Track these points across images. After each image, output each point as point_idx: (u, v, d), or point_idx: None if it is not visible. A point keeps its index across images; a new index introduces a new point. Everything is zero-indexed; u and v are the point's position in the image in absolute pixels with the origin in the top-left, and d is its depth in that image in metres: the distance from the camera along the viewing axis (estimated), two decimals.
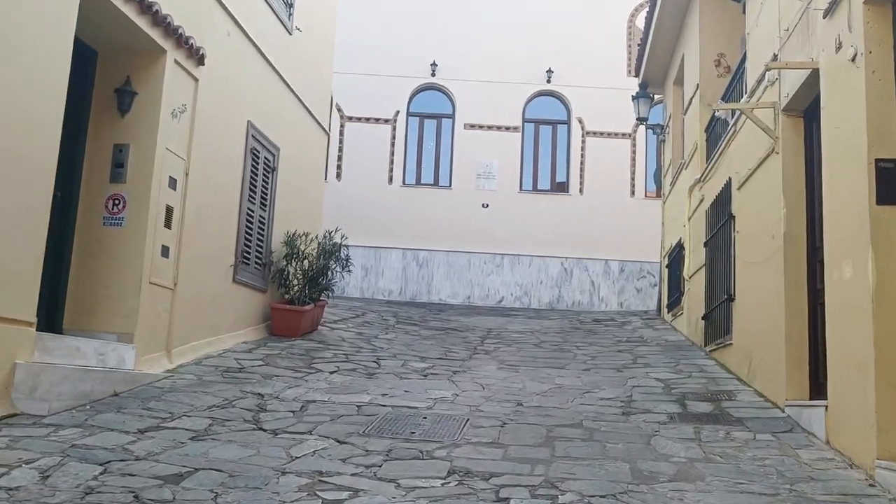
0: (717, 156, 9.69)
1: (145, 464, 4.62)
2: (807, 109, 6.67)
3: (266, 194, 9.96)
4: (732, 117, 8.85)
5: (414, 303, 17.25)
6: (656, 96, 15.84)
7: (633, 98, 15.36)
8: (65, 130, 6.83)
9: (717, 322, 9.35)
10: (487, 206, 18.76)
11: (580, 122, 19.16)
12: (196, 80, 7.91)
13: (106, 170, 7.20)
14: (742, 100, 8.20)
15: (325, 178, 19.03)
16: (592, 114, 19.06)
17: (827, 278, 5.69)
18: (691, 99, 11.92)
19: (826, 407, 5.53)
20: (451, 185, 18.98)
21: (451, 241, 18.51)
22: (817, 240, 6.45)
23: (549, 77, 19.27)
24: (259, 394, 6.67)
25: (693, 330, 10.96)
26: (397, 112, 19.18)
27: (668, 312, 13.57)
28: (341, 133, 19.29)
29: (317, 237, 10.77)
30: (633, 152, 19.15)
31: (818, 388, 6.27)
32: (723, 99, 9.52)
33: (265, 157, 9.86)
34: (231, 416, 5.88)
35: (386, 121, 19.19)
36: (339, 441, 5.34)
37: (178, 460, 4.73)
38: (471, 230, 18.49)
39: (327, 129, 12.42)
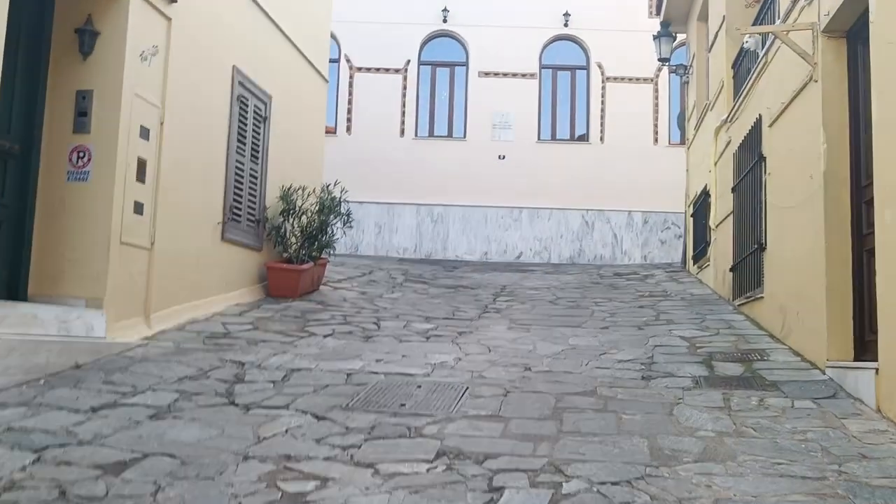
0: (745, 92, 8.86)
1: (88, 449, 4.01)
2: (851, 29, 5.83)
3: (257, 146, 9.26)
4: (763, 47, 8.00)
5: (428, 260, 16.63)
6: (679, 36, 14.90)
7: (655, 37, 14.44)
8: (21, 76, 6.24)
9: (747, 274, 8.60)
10: (504, 157, 18.06)
11: (600, 67, 18.32)
12: (168, 19, 7.16)
13: (69, 119, 6.50)
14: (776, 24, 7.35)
15: (335, 132, 18.53)
16: (613, 58, 18.22)
17: (878, 221, 4.93)
18: (717, 33, 11.02)
19: (877, 370, 4.81)
20: (465, 136, 18.30)
21: (467, 196, 17.86)
22: (863, 178, 5.67)
23: (567, 20, 18.46)
24: (240, 362, 6.05)
25: (720, 283, 10.21)
26: (408, 61, 18.46)
27: (694, 265, 12.80)
28: (350, 84, 18.68)
29: (315, 191, 10.07)
30: (656, 98, 18.33)
31: (864, 346, 5.55)
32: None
33: (255, 106, 9.14)
34: (202, 389, 5.26)
35: (396, 70, 18.48)
36: (317, 417, 4.70)
37: (128, 444, 4.11)
38: (487, 183, 17.80)
39: (326, 77, 11.63)
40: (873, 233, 5.46)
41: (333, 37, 18.77)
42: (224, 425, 4.50)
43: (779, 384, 5.53)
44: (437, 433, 4.39)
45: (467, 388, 5.41)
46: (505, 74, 18.38)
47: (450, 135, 18.52)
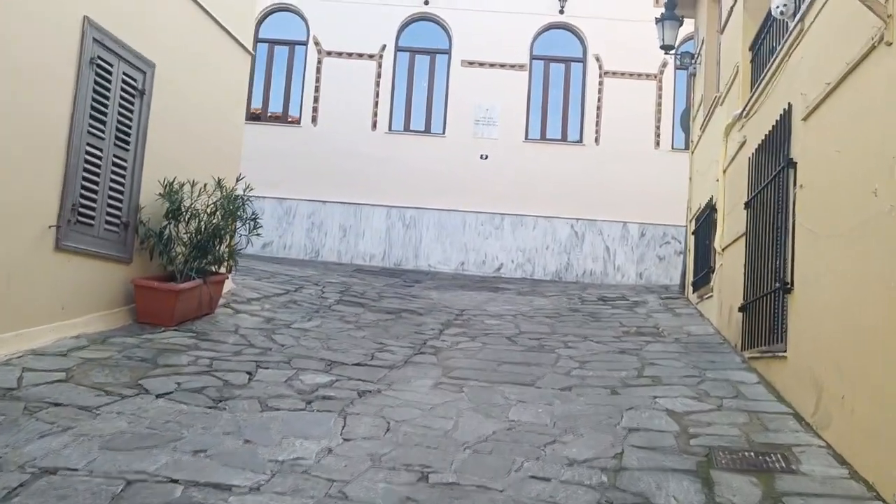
0: (768, 76, 6.66)
1: None
2: None
3: (128, 127, 7.06)
4: (797, 14, 5.81)
5: (392, 270, 14.55)
6: (687, 23, 12.72)
7: (658, 20, 12.28)
8: None
9: (763, 319, 6.38)
10: (487, 157, 16.26)
11: (597, 59, 16.45)
12: None
13: None
14: None
15: (299, 123, 16.52)
16: (612, 50, 16.37)
17: None
18: (732, 8, 8.84)
19: None
20: (444, 132, 16.48)
21: (444, 199, 16.07)
22: None
23: (562, 7, 16.63)
24: None
25: (725, 322, 8.00)
26: (384, 46, 16.64)
27: (694, 292, 10.60)
28: (318, 70, 16.82)
29: (206, 187, 7.85)
30: (660, 97, 16.41)
31: None
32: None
33: (125, 74, 6.96)
34: None
35: (371, 56, 16.69)
36: None
37: None
38: (466, 185, 16.03)
39: (249, 48, 9.43)
40: None
41: (301, 16, 16.91)
42: None
43: None
44: None
45: None
46: (491, 65, 16.61)
47: (427, 130, 16.72)
